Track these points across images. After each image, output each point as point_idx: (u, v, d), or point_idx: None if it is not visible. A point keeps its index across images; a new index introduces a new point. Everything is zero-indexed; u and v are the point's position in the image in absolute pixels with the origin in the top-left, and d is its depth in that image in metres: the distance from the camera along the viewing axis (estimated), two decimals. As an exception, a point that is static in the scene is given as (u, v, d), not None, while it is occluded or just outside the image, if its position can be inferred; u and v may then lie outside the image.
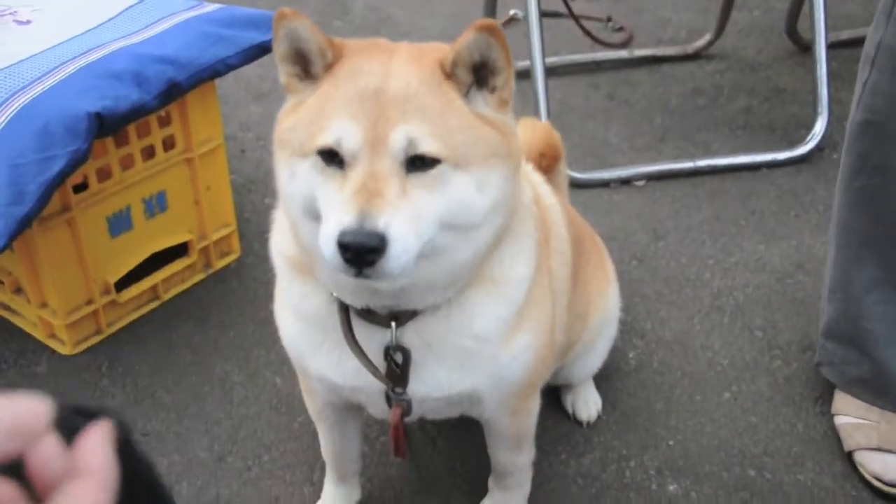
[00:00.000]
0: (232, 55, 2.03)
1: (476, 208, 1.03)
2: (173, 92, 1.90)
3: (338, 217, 0.95)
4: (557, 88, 2.90)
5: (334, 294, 1.15)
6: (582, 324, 1.60)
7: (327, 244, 0.95)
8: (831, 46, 2.91)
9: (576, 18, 3.06)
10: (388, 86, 1.00)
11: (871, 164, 1.59)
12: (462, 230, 1.04)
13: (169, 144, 2.02)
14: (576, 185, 2.46)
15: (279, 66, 1.09)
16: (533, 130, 1.58)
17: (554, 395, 1.80)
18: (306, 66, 1.07)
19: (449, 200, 1.01)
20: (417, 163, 0.99)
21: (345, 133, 0.98)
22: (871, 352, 1.68)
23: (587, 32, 3.11)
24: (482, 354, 1.20)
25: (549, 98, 2.56)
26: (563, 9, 3.01)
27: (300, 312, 1.22)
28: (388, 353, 1.17)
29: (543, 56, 2.56)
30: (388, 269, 0.95)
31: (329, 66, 1.05)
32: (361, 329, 1.16)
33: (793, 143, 2.59)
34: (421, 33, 3.37)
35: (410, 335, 1.16)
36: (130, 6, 2.07)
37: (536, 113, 2.50)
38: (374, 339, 1.17)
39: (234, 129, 2.76)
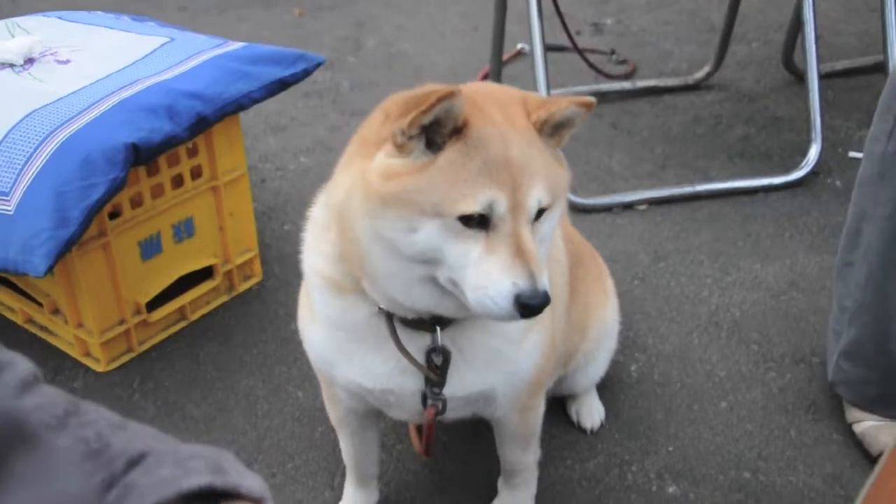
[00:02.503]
0: (255, 90, 2.19)
1: (553, 236, 1.25)
2: (201, 125, 2.06)
3: (509, 279, 1.12)
4: (563, 119, 3.04)
5: (382, 307, 1.28)
6: (581, 335, 1.73)
7: (499, 300, 1.12)
8: (827, 76, 3.07)
9: (580, 52, 3.22)
10: (511, 153, 1.14)
11: None
12: None
13: (196, 174, 2.18)
14: (581, 209, 2.61)
15: (405, 129, 1.13)
16: None
17: (560, 406, 1.92)
18: (430, 133, 1.14)
19: (545, 237, 1.21)
20: (538, 214, 1.18)
21: (495, 201, 1.12)
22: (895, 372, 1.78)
23: (591, 65, 3.26)
24: (505, 354, 1.36)
25: (554, 128, 2.71)
26: (569, 43, 3.18)
27: (338, 324, 1.36)
28: (429, 355, 1.31)
29: (548, 88, 2.72)
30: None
31: (454, 133, 1.14)
32: (402, 335, 1.31)
33: (788, 169, 2.72)
34: (432, 68, 3.54)
35: (446, 340, 1.31)
36: (162, 45, 2.23)
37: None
38: (412, 344, 1.31)
39: (255, 160, 2.92)
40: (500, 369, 1.37)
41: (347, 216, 1.21)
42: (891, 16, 2.67)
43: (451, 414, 1.44)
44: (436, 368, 1.32)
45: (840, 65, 3.19)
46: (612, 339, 1.87)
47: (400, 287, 1.21)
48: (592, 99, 1.22)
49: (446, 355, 1.31)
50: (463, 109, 1.12)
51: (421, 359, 1.32)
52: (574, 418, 1.91)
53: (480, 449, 1.82)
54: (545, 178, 1.16)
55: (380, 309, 1.29)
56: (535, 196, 1.14)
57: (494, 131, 1.15)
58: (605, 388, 1.97)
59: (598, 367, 1.85)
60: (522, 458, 1.62)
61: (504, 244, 1.12)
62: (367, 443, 1.65)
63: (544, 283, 1.12)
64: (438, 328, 1.29)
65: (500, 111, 1.17)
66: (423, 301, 1.22)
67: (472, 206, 1.11)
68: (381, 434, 1.74)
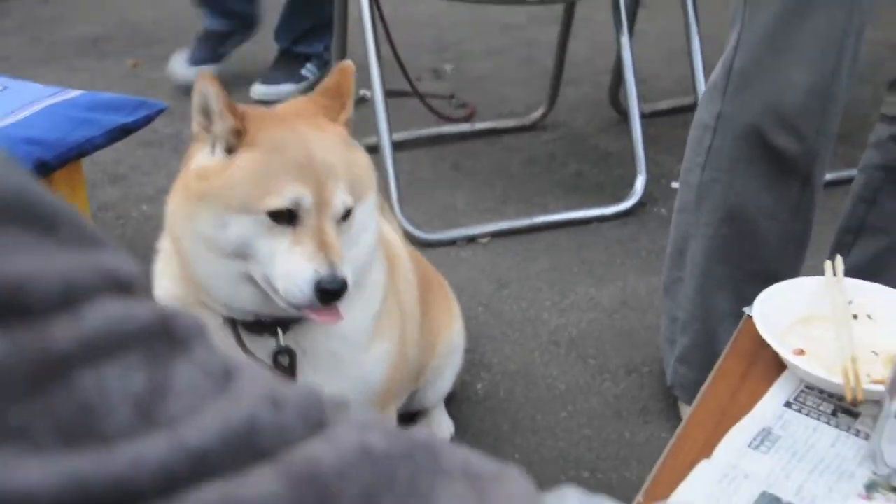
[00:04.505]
0: (97, 136, 2.31)
1: (371, 228, 1.44)
2: (41, 170, 2.16)
3: (311, 267, 1.31)
4: (406, 161, 3.29)
5: (224, 314, 1.44)
6: (431, 353, 1.94)
7: (303, 286, 1.31)
8: (652, 115, 3.46)
9: (421, 97, 3.48)
10: (314, 154, 1.35)
11: (718, 217, 1.96)
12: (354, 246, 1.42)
13: (38, 219, 2.27)
14: (426, 244, 2.83)
15: (193, 116, 1.39)
16: None
17: (411, 423, 2.12)
18: (209, 124, 1.38)
19: (358, 233, 1.40)
20: (345, 214, 1.37)
21: (301, 197, 1.32)
22: None
23: (432, 109, 3.53)
24: (348, 359, 1.52)
25: (398, 170, 2.96)
26: (410, 88, 3.44)
27: None
28: (276, 358, 1.46)
29: (390, 132, 2.97)
30: (343, 302, 1.34)
31: (239, 133, 1.35)
32: (249, 342, 1.46)
33: (618, 200, 3.05)
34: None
35: (290, 342, 1.46)
36: (-5, 93, 2.33)
37: (386, 183, 2.88)
38: (260, 350, 1.46)
39: (94, 209, 3.00)
40: (349, 374, 1.53)
41: (175, 227, 1.40)
42: (697, 61, 3.10)
43: None
44: (284, 370, 1.48)
45: (662, 104, 3.59)
46: (458, 356, 2.08)
47: (224, 288, 1.39)
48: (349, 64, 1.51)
49: (292, 356, 1.47)
50: (219, 94, 1.34)
51: (267, 363, 1.47)
52: (425, 435, 2.10)
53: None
54: (350, 180, 1.37)
55: (224, 319, 1.44)
56: (340, 196, 1.35)
57: (294, 136, 1.36)
58: (454, 406, 2.17)
59: (445, 381, 2.05)
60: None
61: (309, 237, 1.32)
62: None
63: (344, 271, 1.32)
64: (280, 331, 1.44)
65: (304, 120, 1.40)
66: (247, 301, 1.40)
67: (279, 202, 1.31)
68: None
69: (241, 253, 1.35)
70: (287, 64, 3.90)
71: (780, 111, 1.83)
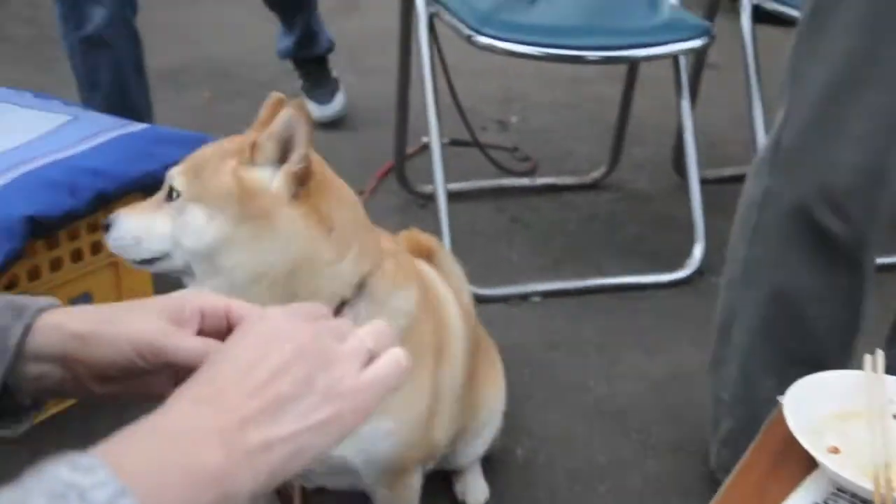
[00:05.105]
0: (158, 170, 2.34)
1: (203, 235, 1.42)
2: (101, 200, 2.21)
3: None
4: (465, 212, 3.29)
5: None
6: (472, 413, 1.92)
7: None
8: (715, 181, 3.41)
9: (481, 147, 3.49)
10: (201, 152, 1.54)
11: (763, 296, 1.92)
12: (208, 260, 1.43)
13: (96, 249, 2.31)
14: (480, 300, 2.81)
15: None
16: (407, 239, 1.93)
17: (446, 483, 2.09)
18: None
19: (182, 222, 1.44)
20: (174, 195, 1.46)
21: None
22: None
23: (493, 161, 3.54)
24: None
25: (455, 220, 2.96)
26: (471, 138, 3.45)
27: None
28: None
29: (445, 181, 2.98)
30: (109, 241, 1.55)
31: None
32: None
33: (675, 267, 3.01)
34: (338, 160, 3.70)
35: None
36: (65, 122, 2.40)
37: (440, 233, 2.88)
38: None
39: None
40: (347, 443, 1.49)
41: None
42: (758, 129, 3.05)
43: (330, 481, 1.58)
44: None
45: (728, 171, 3.53)
46: (497, 419, 2.07)
47: None
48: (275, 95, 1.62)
49: None
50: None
51: None
52: (459, 497, 2.08)
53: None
54: (193, 168, 1.47)
55: None
56: (174, 171, 1.48)
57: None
58: (491, 469, 2.14)
59: (483, 442, 2.04)
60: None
61: None
62: None
63: (123, 219, 1.54)
64: None
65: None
66: None
67: None
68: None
69: None
70: (319, 76, 3.99)
71: (828, 191, 1.78)
